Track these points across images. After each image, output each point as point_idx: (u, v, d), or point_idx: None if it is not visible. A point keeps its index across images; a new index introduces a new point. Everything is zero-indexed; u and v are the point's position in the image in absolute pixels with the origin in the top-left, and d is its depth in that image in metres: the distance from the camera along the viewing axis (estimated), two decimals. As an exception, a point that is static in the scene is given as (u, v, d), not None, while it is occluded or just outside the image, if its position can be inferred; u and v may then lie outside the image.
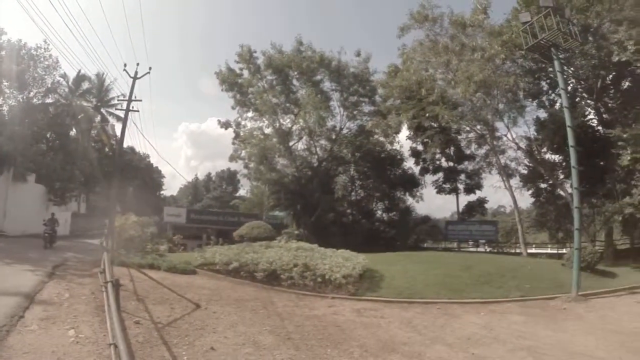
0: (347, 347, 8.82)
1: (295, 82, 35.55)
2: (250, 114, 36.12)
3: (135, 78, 22.93)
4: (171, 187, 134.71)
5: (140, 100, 25.61)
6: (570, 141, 17.68)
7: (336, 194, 31.75)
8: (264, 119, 35.15)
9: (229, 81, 35.06)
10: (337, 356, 8.26)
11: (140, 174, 56.74)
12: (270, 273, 15.33)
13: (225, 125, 37.06)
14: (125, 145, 40.45)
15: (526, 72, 26.42)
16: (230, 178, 73.59)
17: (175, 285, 12.70)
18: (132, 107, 23.55)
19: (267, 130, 35.30)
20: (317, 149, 36.71)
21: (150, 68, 23.71)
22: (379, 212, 39.32)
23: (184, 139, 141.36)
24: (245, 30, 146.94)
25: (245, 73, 35.39)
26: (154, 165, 62.43)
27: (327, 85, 35.75)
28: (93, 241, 23.22)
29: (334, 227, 32.69)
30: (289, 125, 35.23)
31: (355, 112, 35.95)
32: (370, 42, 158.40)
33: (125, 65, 22.49)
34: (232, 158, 36.60)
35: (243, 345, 8.32)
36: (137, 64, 23.36)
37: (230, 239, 26.31)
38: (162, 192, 71.24)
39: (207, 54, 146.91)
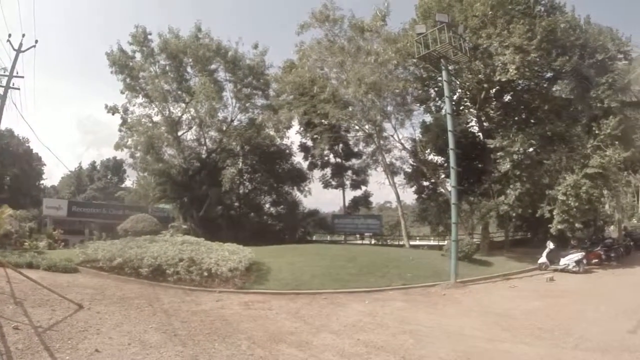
0: (234, 340, 8.92)
1: (189, 69, 34.68)
2: (139, 100, 34.22)
3: (19, 51, 20.98)
4: (53, 175, 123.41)
5: (22, 77, 23.46)
6: (451, 144, 19.25)
7: (224, 186, 31.29)
8: (154, 106, 33.73)
9: (120, 63, 32.94)
10: (224, 349, 8.31)
11: (19, 160, 51.90)
12: (156, 268, 14.93)
13: (113, 110, 34.45)
14: (2, 127, 36.92)
15: (416, 79, 28.09)
16: (116, 168, 69.18)
17: (56, 285, 12.02)
18: (12, 84, 21.43)
19: (156, 118, 34.04)
20: (207, 140, 36.14)
21: (36, 41, 21.82)
22: (267, 206, 39.55)
23: (70, 123, 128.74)
24: (144, 11, 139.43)
25: (138, 56, 33.62)
26: (34, 151, 57.28)
27: (221, 75, 35.25)
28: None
29: (222, 220, 32.50)
30: (179, 114, 34.22)
31: (247, 105, 35.77)
32: (268, 36, 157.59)
33: (9, 35, 20.57)
34: (118, 146, 34.14)
35: (129, 345, 8.15)
36: (23, 35, 21.28)
37: (115, 233, 25.18)
38: (42, 181, 64.83)
39: (102, 32, 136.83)
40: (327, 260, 18.62)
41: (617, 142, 22.54)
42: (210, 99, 31.01)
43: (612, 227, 35.29)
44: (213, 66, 34.59)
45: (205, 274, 14.90)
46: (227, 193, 33.54)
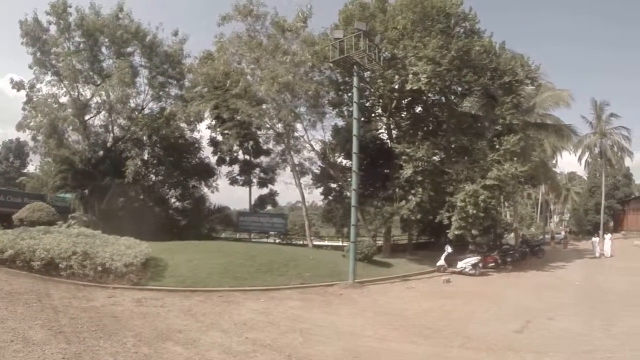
0: (121, 338, 8.75)
1: (104, 49, 32.66)
2: (48, 78, 31.43)
3: None
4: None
5: None
6: (355, 148, 19.74)
7: (127, 178, 29.50)
8: (63, 86, 31.15)
9: (33, 35, 30.09)
10: (109, 347, 8.13)
11: None
12: (49, 262, 14.12)
13: (19, 86, 31.46)
14: None
15: (331, 83, 28.59)
16: (18, 150, 64.26)
17: (-58, 279, 11.33)
18: None
19: (64, 99, 31.39)
20: (115, 127, 34.15)
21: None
22: (173, 200, 38.24)
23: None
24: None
25: (54, 29, 30.85)
26: None
27: (137, 60, 33.66)
28: None
29: (124, 213, 31.04)
30: (89, 97, 31.93)
31: (161, 93, 34.55)
32: (190, 25, 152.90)
33: None
34: (20, 127, 30.77)
35: (11, 342, 7.85)
36: None
37: (11, 222, 23.59)
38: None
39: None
40: (226, 258, 18.49)
41: (515, 158, 24.11)
42: (124, 84, 29.34)
43: (511, 235, 37.65)
44: (129, 49, 33.05)
45: (100, 268, 14.28)
46: (132, 185, 31.70)
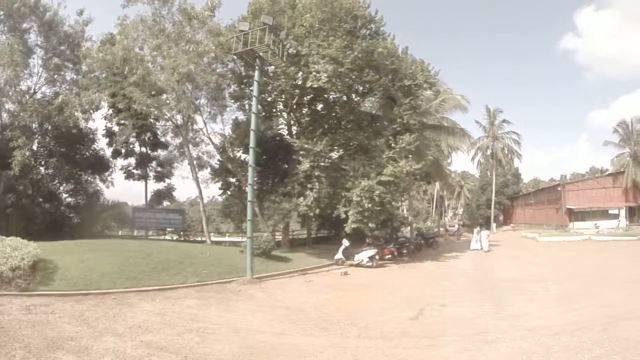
0: (8, 351, 8.25)
1: None
2: None
3: None
4: None
5: None
6: (252, 143, 19.95)
7: (13, 170, 26.75)
8: None
9: None
10: None
11: None
12: None
13: None
14: None
15: (235, 76, 28.37)
16: None
17: None
18: None
19: None
20: (3, 113, 30.75)
21: None
22: (65, 196, 35.58)
23: None
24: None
25: None
26: None
27: (32, 38, 30.47)
28: None
29: (12, 210, 28.86)
30: None
31: (56, 77, 31.52)
32: (101, 5, 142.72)
33: None
34: None
35: None
36: None
37: None
38: None
39: None
40: (120, 257, 17.72)
41: (410, 156, 25.18)
42: (14, 63, 26.72)
43: (408, 228, 39.50)
44: (26, 25, 29.86)
45: (-16, 274, 13.07)
46: (19, 178, 28.89)
